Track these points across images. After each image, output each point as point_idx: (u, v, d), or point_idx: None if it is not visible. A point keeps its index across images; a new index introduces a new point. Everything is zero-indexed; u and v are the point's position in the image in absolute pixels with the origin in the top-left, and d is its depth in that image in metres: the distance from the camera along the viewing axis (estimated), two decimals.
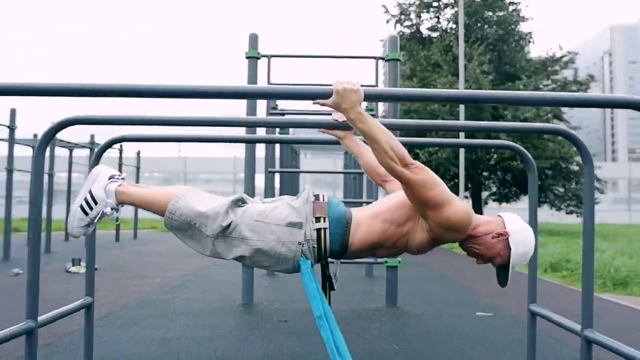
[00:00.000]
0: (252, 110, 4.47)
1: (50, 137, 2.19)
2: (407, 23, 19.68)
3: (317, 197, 1.92)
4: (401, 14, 19.61)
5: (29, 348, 2.09)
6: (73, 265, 6.95)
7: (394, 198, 1.93)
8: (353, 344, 3.26)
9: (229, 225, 1.83)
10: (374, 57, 4.79)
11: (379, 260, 4.82)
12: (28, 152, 12.27)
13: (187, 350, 3.09)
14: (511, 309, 4.49)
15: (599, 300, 5.26)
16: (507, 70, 17.70)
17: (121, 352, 3.04)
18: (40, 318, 2.18)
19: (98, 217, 1.97)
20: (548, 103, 1.84)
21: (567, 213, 17.92)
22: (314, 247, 1.86)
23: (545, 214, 21.21)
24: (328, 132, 2.24)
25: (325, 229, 1.84)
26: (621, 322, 4.11)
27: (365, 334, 3.56)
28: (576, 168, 17.12)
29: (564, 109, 17.68)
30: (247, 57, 4.60)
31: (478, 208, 18.33)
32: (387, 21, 20.02)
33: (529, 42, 18.96)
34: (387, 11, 19.54)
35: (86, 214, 1.95)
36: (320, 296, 1.86)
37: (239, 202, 1.90)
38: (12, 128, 9.08)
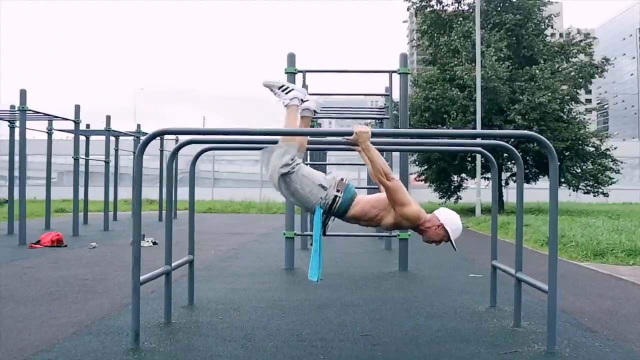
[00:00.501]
0: None
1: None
2: (429, 9, 20.42)
3: (342, 179, 3.14)
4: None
5: (167, 284, 3.42)
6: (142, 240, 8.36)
7: (381, 195, 3.16)
8: (371, 293, 4.53)
9: (288, 172, 2.99)
10: (388, 71, 5.96)
11: (394, 233, 6.05)
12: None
13: (254, 295, 4.40)
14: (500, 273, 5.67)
15: (577, 266, 6.42)
16: (525, 54, 18.39)
17: (206, 296, 4.36)
18: (169, 266, 3.49)
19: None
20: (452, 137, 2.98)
21: (585, 193, 18.69)
22: (327, 204, 3.02)
23: (563, 194, 22.02)
24: (352, 148, 3.46)
25: (339, 197, 3.02)
26: (582, 281, 5.29)
27: (380, 287, 4.82)
28: (592, 149, 17.86)
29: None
30: (286, 73, 5.82)
31: (498, 189, 19.21)
32: (408, 9, 20.83)
33: (548, 25, 19.55)
34: None
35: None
36: (319, 230, 3.04)
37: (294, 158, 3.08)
38: (77, 122, 10.49)
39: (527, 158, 18.31)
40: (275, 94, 3.17)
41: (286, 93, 3.14)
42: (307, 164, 7.01)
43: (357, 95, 6.76)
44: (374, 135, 2.93)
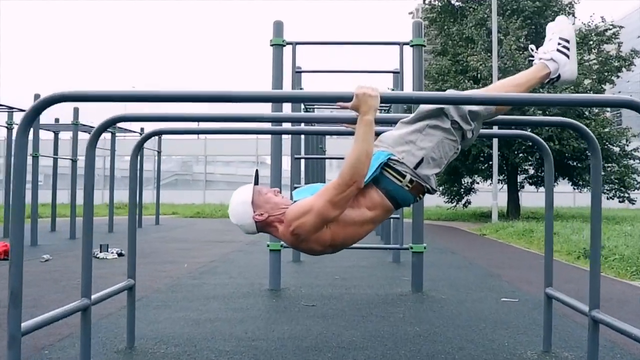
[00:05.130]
0: (278, 105, 4.77)
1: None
2: None
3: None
4: None
5: (85, 323, 2.48)
6: (101, 252, 7.42)
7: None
8: (377, 327, 3.60)
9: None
10: (398, 43, 5.03)
11: (405, 245, 5.13)
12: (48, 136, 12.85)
13: (220, 330, 3.46)
14: (537, 295, 4.74)
15: (628, 286, 5.47)
16: None
17: (158, 331, 3.43)
18: (93, 297, 2.56)
19: None
20: (555, 104, 2.09)
21: (609, 198, 17.78)
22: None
23: (583, 198, 21.12)
24: (352, 127, 2.54)
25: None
26: None
27: (390, 317, 3.88)
28: (616, 149, 16.97)
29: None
30: (272, 45, 4.89)
31: (514, 192, 18.37)
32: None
33: (569, 13, 18.71)
34: None
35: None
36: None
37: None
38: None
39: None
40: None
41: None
42: (296, 158, 6.10)
43: (359, 72, 5.73)
44: (385, 101, 2.01)
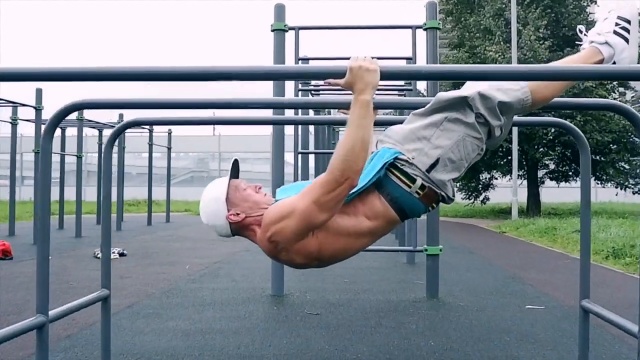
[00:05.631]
0: (280, 89, 4.41)
1: (56, 123, 2.20)
2: None
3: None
4: None
5: (41, 343, 2.13)
6: (102, 252, 7.14)
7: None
8: (387, 340, 3.21)
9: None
10: (411, 27, 4.61)
11: (419, 247, 4.74)
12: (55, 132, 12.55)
13: (211, 344, 3.11)
14: (565, 301, 4.32)
15: None
16: (566, 33, 16.92)
17: (142, 345, 3.09)
18: (52, 312, 2.21)
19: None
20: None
21: (635, 193, 17.14)
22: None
23: (609, 193, 20.44)
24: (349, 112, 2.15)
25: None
26: None
27: (401, 328, 3.49)
28: None
29: None
30: (272, 30, 4.52)
31: (534, 188, 17.81)
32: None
33: (592, 1, 18.04)
34: None
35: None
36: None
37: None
38: (38, 109, 9.34)
39: (567, 152, 16.85)
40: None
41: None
42: (299, 153, 5.73)
43: None
44: (385, 77, 1.62)
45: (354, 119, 1.65)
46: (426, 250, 4.46)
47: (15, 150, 10.40)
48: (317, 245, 1.79)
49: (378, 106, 2.12)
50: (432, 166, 1.84)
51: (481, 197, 19.43)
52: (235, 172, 1.98)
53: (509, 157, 16.00)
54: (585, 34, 2.06)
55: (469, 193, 19.19)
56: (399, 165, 1.83)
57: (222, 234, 1.92)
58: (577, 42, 2.17)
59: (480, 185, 19.16)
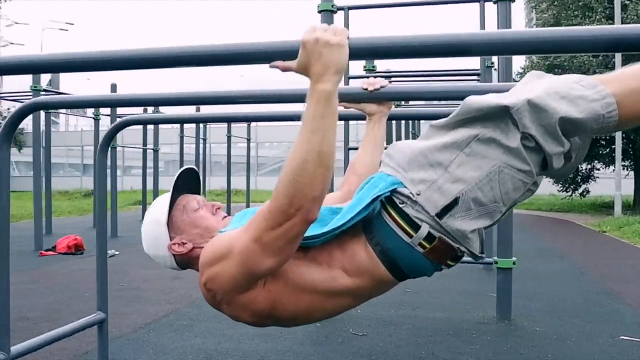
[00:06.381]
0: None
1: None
2: None
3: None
4: None
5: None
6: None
7: None
8: None
9: None
10: (479, 0, 3.94)
11: (488, 259, 4.10)
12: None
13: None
14: None
15: None
16: None
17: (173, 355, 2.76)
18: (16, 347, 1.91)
19: None
20: None
21: None
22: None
23: None
24: (351, 106, 1.64)
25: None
26: None
27: (458, 359, 2.92)
28: None
29: None
30: (320, 12, 4.05)
31: (639, 182, 16.06)
32: None
33: None
34: None
35: None
36: None
37: None
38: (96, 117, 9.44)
39: None
40: None
41: None
42: (350, 149, 5.25)
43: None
44: (357, 54, 1.08)
45: (307, 120, 1.11)
46: (496, 263, 3.80)
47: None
48: (268, 300, 1.30)
49: (393, 97, 1.59)
50: (447, 208, 1.22)
51: (580, 190, 17.81)
52: (189, 186, 1.53)
53: (612, 146, 14.47)
54: None
55: (566, 184, 17.64)
56: (397, 202, 1.26)
57: (168, 267, 1.49)
58: None
59: (579, 177, 17.55)
